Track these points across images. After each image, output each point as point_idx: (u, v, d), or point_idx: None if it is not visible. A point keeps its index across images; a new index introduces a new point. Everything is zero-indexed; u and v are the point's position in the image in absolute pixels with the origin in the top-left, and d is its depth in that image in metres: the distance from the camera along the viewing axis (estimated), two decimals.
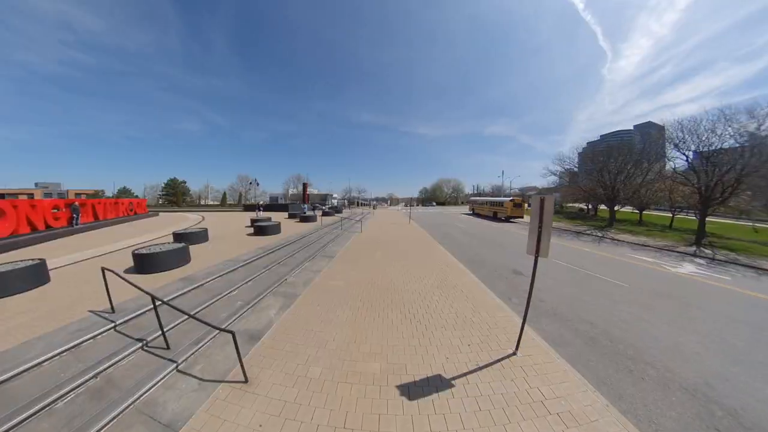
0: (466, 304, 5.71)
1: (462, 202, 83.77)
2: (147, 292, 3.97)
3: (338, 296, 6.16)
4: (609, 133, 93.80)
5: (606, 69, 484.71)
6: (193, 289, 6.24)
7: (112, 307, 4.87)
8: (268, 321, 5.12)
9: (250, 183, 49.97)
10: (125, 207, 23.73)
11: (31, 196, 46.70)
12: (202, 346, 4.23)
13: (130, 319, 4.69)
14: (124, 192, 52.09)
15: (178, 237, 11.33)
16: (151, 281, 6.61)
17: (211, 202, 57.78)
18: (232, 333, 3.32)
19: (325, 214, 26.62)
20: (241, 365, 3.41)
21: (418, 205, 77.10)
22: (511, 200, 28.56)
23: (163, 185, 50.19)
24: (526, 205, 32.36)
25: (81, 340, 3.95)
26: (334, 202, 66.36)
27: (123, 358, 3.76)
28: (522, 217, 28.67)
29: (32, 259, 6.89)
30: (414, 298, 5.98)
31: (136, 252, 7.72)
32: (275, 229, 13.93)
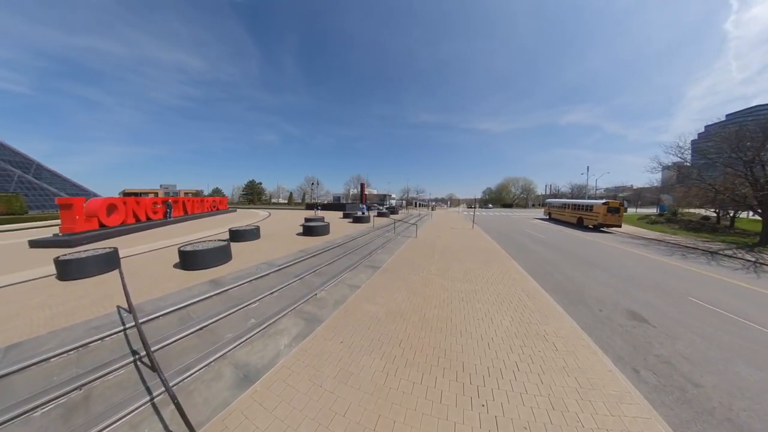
0: (566, 379, 3.52)
1: (534, 205, 73.50)
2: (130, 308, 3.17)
3: (371, 330, 4.68)
4: (742, 111, 69.40)
5: (730, 22, 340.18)
6: (214, 295, 5.65)
7: (130, 308, 4.38)
8: (273, 355, 3.98)
9: (312, 183, 53.43)
10: (209, 204, 27.40)
11: (156, 194, 59.78)
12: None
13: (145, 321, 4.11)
14: (216, 191, 62.50)
15: (233, 234, 11.67)
16: (186, 279, 6.41)
17: (282, 201, 64.43)
18: (176, 403, 2.12)
19: (380, 214, 25.89)
20: None
21: (478, 207, 70.99)
22: (605, 203, 22.48)
23: (243, 186, 58.18)
24: (624, 210, 25.45)
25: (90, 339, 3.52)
26: (392, 202, 66.17)
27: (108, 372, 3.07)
28: (619, 226, 22.46)
29: (108, 248, 7.59)
30: (479, 354, 4.04)
31: (181, 249, 7.76)
32: (324, 229, 13.46)
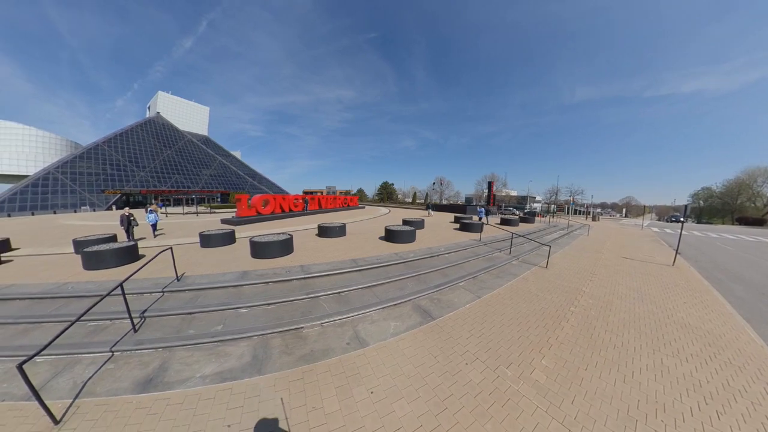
0: None
1: None
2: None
3: None
4: None
5: None
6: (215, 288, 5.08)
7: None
8: None
9: (434, 183, 51.79)
10: (341, 201, 31.75)
11: (322, 192, 78.18)
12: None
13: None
14: (359, 191, 74.15)
15: (321, 230, 11.90)
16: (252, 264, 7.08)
17: (407, 200, 67.31)
18: None
19: (504, 221, 19.67)
20: None
21: (665, 219, 44.79)
22: None
23: (378, 186, 65.62)
24: None
25: None
26: (535, 207, 53.98)
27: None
28: None
29: (229, 229, 9.85)
30: None
31: (251, 240, 8.20)
32: (408, 236, 11.15)
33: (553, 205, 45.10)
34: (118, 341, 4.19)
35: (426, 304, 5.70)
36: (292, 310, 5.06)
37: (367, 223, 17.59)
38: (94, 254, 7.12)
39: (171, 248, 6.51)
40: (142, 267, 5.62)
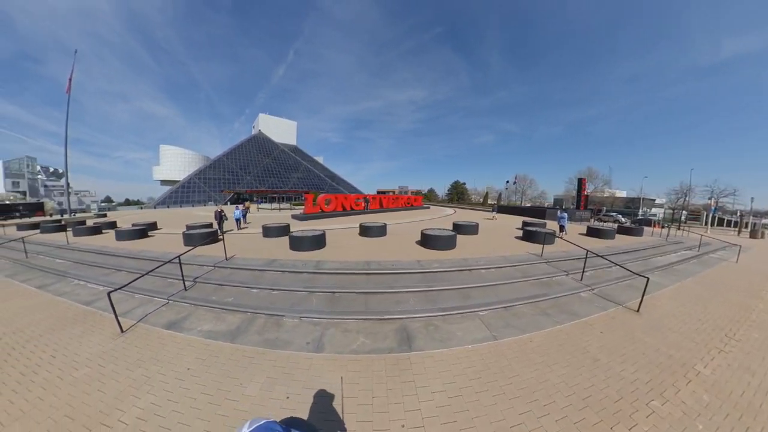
0: None
1: None
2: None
3: None
4: None
5: None
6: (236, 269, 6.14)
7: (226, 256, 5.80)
8: None
9: (507, 182, 46.12)
10: (404, 200, 32.16)
11: (393, 192, 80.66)
12: None
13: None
14: (429, 191, 73.25)
15: (363, 229, 12.53)
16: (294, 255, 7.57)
17: (478, 200, 62.05)
18: None
19: (592, 232, 14.14)
20: None
21: None
22: None
23: (449, 186, 63.11)
24: None
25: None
26: (654, 212, 42.46)
27: None
28: None
29: (283, 224, 11.13)
30: None
31: (290, 234, 9.43)
32: (446, 242, 9.61)
33: (682, 212, 33.80)
34: (173, 294, 5.93)
35: (415, 328, 4.75)
36: (286, 299, 5.73)
37: (419, 225, 17.37)
38: (188, 235, 9.71)
39: (223, 237, 8.22)
40: (195, 247, 7.26)
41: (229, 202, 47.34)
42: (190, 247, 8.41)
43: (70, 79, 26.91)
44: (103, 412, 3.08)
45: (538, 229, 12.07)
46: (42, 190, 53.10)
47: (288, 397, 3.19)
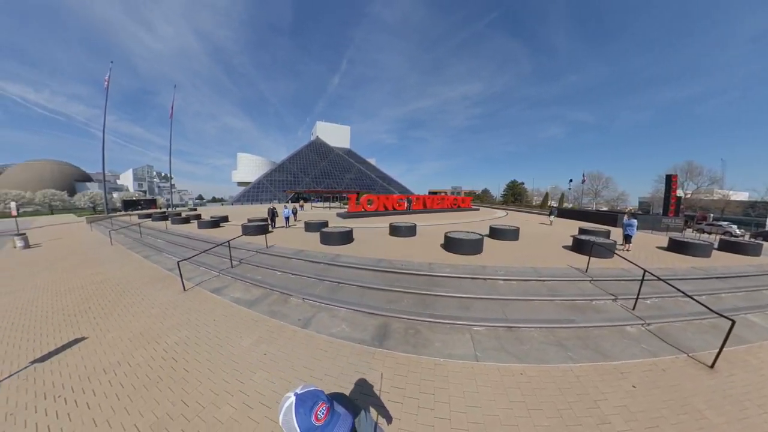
0: None
1: None
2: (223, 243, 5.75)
3: None
4: None
5: None
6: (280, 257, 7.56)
7: (266, 245, 7.48)
8: None
9: (571, 181, 40.30)
10: (450, 201, 31.59)
11: (446, 193, 79.09)
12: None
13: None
14: (484, 192, 69.56)
15: (392, 228, 13.22)
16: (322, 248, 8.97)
17: (541, 203, 55.60)
18: None
19: (677, 246, 10.04)
20: None
21: None
22: None
23: (505, 186, 58.58)
24: None
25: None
26: None
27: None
28: None
29: (321, 221, 12.61)
30: None
31: (322, 230, 10.65)
32: (470, 246, 8.82)
33: None
34: (222, 269, 7.69)
35: (395, 328, 4.80)
36: (299, 282, 6.84)
37: (455, 227, 17.19)
38: (244, 227, 11.81)
39: (272, 230, 9.80)
40: (240, 236, 8.94)
41: (290, 201, 53.32)
42: (239, 235, 10.39)
43: (172, 107, 35.12)
44: (159, 335, 4.67)
45: (589, 238, 9.80)
46: (156, 190, 68.96)
47: (265, 354, 4.09)
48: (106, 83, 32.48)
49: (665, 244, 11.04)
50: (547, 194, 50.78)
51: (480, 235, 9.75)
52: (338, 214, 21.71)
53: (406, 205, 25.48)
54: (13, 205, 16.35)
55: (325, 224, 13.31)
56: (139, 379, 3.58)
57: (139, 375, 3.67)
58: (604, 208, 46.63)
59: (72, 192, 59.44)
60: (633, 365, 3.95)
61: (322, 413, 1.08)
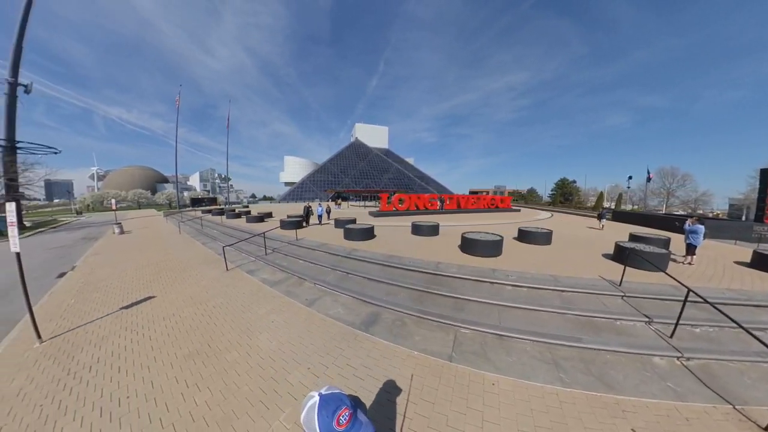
0: None
1: None
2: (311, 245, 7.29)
3: None
4: None
5: None
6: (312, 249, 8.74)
7: (296, 237, 8.88)
8: None
9: (630, 178, 34.80)
10: (487, 201, 30.56)
11: (487, 192, 75.86)
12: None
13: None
14: (529, 192, 64.75)
15: (414, 227, 13.70)
16: (349, 245, 10.13)
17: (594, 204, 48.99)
18: None
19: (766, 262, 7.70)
20: None
21: None
22: None
23: (554, 185, 53.57)
24: None
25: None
26: None
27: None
28: None
29: (332, 221, 13.79)
30: None
31: (345, 226, 11.64)
32: (488, 248, 8.31)
33: None
34: (258, 256, 9.12)
35: (385, 317, 5.35)
36: (316, 270, 7.84)
37: (486, 227, 16.89)
38: (283, 222, 13.45)
39: (300, 227, 11.11)
40: (270, 230, 10.31)
41: (330, 200, 56.59)
42: (273, 228, 11.90)
43: (228, 118, 40.85)
44: (202, 300, 6.12)
45: (634, 245, 8.23)
46: (218, 189, 78.85)
47: (272, 321, 5.13)
48: (177, 102, 40.67)
49: (748, 259, 8.44)
50: (601, 194, 44.64)
51: (499, 236, 9.20)
52: (370, 213, 22.78)
53: (438, 205, 25.52)
54: (113, 201, 21.09)
55: (353, 221, 14.38)
56: (184, 326, 4.92)
57: (184, 323, 5.02)
58: (680, 212, 40.00)
59: (153, 191, 72.47)
60: (643, 405, 3.17)
61: (344, 419, 1.08)
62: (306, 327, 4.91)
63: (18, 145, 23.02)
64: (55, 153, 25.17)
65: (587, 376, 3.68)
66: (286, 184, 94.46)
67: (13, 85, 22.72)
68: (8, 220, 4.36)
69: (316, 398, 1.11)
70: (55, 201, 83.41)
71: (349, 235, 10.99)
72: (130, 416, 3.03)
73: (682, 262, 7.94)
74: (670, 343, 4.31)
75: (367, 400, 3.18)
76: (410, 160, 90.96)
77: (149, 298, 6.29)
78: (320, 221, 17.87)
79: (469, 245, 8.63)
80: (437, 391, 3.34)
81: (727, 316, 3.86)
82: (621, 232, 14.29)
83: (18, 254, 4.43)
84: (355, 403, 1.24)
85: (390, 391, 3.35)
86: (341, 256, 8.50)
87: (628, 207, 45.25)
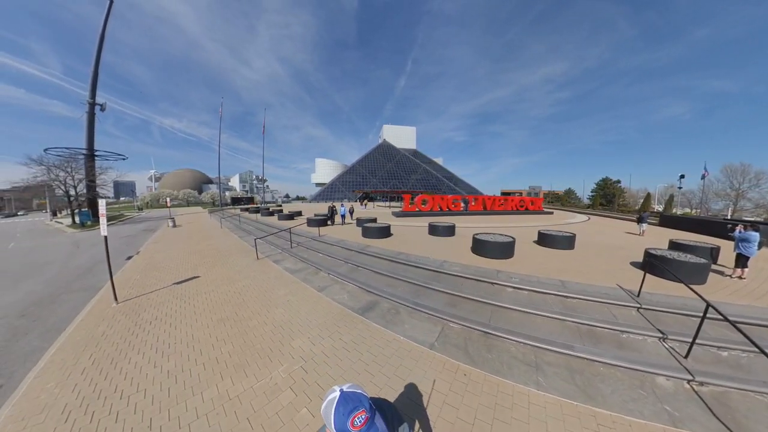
0: None
1: None
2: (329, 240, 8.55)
3: None
4: None
5: None
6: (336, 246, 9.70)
7: (319, 234, 10.07)
8: None
9: (682, 177, 30.68)
10: (515, 203, 29.60)
11: (520, 194, 72.50)
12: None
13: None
14: (567, 192, 60.48)
15: (430, 227, 14.09)
16: (365, 241, 11.05)
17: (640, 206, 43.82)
18: None
19: None
20: None
21: None
22: None
23: (594, 186, 49.28)
24: None
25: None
26: None
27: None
28: None
29: (349, 222, 14.71)
30: None
31: (363, 225, 12.45)
32: (497, 250, 8.21)
33: None
34: (284, 248, 10.32)
35: (383, 306, 6.27)
36: (330, 262, 8.70)
37: (507, 230, 16.65)
38: (309, 220, 14.67)
39: (324, 225, 12.15)
40: (295, 226, 11.44)
41: (358, 200, 58.37)
42: (298, 224, 13.08)
43: (264, 124, 45.14)
44: (235, 280, 7.37)
45: (668, 253, 7.07)
46: (255, 189, 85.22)
47: (288, 300, 6.11)
48: (220, 112, 48.21)
49: None
50: (648, 195, 39.48)
51: (511, 238, 9.06)
52: (393, 213, 23.45)
53: (462, 206, 25.41)
54: (168, 199, 24.50)
55: (373, 221, 15.15)
56: (218, 299, 6.11)
57: (219, 297, 6.22)
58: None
59: (200, 191, 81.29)
60: (625, 422, 2.92)
61: (360, 421, 1.07)
62: (314, 307, 5.76)
63: (96, 153, 27.86)
64: (123, 159, 29.91)
65: (568, 384, 3.54)
66: (317, 184, 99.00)
67: (92, 105, 27.59)
68: (100, 211, 5.81)
69: (337, 393, 1.11)
70: (121, 199, 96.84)
71: (367, 233, 11.70)
72: (174, 354, 4.13)
73: (730, 275, 6.82)
74: (682, 364, 3.86)
75: (348, 368, 3.84)
76: (439, 161, 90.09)
77: (194, 277, 7.72)
78: (343, 221, 18.77)
79: (479, 246, 8.63)
80: (411, 373, 3.70)
81: (747, 337, 3.16)
82: (663, 239, 12.56)
83: (105, 237, 5.93)
84: (378, 407, 1.22)
85: (368, 363, 3.96)
86: (355, 251, 9.26)
87: (680, 211, 40.09)
